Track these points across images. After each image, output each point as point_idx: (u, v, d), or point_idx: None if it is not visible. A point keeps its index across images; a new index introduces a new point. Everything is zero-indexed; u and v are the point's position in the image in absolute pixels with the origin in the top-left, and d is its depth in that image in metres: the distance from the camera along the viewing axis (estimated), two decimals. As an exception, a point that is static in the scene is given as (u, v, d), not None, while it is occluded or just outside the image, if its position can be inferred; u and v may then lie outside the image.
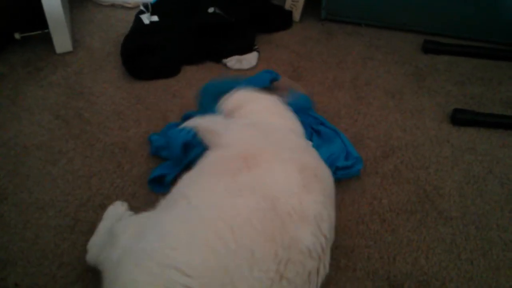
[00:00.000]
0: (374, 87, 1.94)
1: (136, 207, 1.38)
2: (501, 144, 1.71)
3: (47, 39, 1.97)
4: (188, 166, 1.33)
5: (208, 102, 1.55)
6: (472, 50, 2.14)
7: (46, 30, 1.93)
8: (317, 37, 2.22)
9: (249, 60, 2.01)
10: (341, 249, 1.35)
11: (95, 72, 1.93)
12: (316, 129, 1.62)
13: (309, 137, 1.57)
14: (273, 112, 1.43)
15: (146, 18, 2.08)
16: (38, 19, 1.89)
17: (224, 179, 1.10)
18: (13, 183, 1.49)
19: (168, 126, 1.64)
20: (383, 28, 2.28)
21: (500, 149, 1.70)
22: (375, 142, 1.70)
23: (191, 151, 1.43)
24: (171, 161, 1.49)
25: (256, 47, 2.08)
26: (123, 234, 1.07)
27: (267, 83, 1.66)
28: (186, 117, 1.58)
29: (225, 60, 2.00)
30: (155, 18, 2.09)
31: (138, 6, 2.21)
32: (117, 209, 1.36)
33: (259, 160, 1.13)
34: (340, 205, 1.34)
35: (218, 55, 2.02)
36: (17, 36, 1.96)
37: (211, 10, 2.04)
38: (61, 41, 1.98)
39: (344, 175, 1.51)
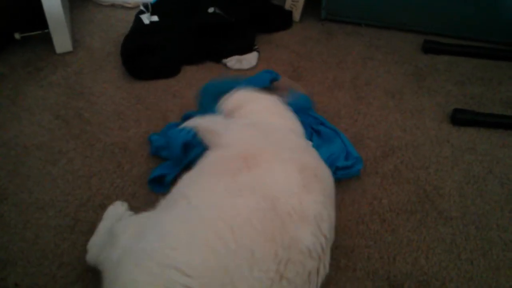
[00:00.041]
0: (374, 87, 1.94)
1: (136, 207, 1.38)
2: (501, 144, 1.71)
3: (47, 39, 1.97)
4: (188, 166, 1.33)
5: (208, 102, 1.55)
6: (472, 50, 2.13)
7: (46, 30, 1.93)
8: (317, 37, 2.22)
9: (249, 60, 2.01)
10: (341, 249, 1.35)
11: (95, 72, 1.93)
12: (316, 129, 1.62)
13: (309, 137, 1.57)
14: (273, 112, 1.43)
15: (146, 18, 2.08)
16: (38, 19, 1.89)
17: (224, 179, 1.10)
18: (13, 183, 1.49)
19: (168, 126, 1.64)
20: (383, 28, 2.28)
21: (500, 149, 1.70)
22: (375, 142, 1.70)
23: (191, 151, 1.43)
24: (171, 161, 1.49)
25: (256, 47, 2.08)
26: (123, 234, 1.07)
27: (267, 83, 1.66)
28: (186, 117, 1.58)
29: (225, 60, 2.00)
30: (155, 18, 2.09)
31: (138, 6, 2.21)
32: (117, 209, 1.36)
33: (259, 160, 1.14)
34: (340, 205, 1.34)
35: (218, 55, 2.02)
36: (17, 36, 1.96)
37: (211, 10, 2.04)
38: (61, 41, 1.98)
39: (344, 175, 1.51)
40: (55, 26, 1.91)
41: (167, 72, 1.94)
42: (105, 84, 1.88)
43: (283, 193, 1.07)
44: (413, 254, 1.36)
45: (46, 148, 1.60)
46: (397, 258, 1.35)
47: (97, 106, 1.78)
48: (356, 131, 1.73)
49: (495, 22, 2.13)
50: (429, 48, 2.14)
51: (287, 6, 2.30)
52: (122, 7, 2.33)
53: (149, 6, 2.14)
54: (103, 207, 1.40)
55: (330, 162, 1.47)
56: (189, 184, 1.15)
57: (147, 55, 1.93)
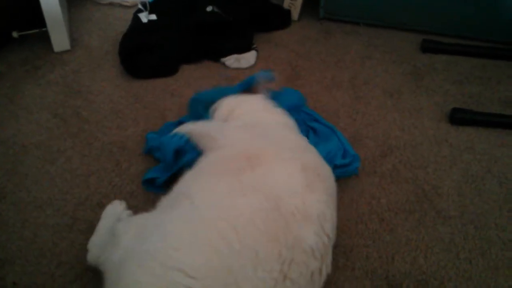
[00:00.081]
0: (373, 87, 1.94)
1: (134, 206, 1.39)
2: (500, 144, 1.72)
3: (45, 38, 1.96)
4: (179, 171, 1.33)
5: (198, 112, 1.55)
6: (470, 49, 2.13)
7: (44, 29, 1.93)
8: (316, 36, 2.22)
9: (247, 59, 2.01)
10: (340, 248, 1.35)
11: (93, 71, 1.93)
12: (311, 127, 1.62)
13: (305, 134, 1.56)
14: (263, 110, 1.46)
15: (144, 17, 2.07)
16: (36, 17, 1.88)
17: (228, 179, 1.10)
18: (12, 182, 1.48)
19: (166, 125, 1.64)
20: (381, 27, 2.28)
21: (499, 148, 1.70)
22: (374, 141, 1.70)
23: (183, 157, 1.42)
24: (163, 164, 1.49)
25: (254, 46, 2.07)
26: (124, 235, 1.06)
27: (251, 83, 1.64)
28: (181, 122, 1.57)
29: (223, 59, 2.00)
30: (153, 16, 2.09)
31: (136, 5, 2.20)
32: (116, 208, 1.36)
33: (262, 159, 1.14)
34: (338, 205, 1.34)
35: (216, 54, 2.02)
36: (15, 34, 1.95)
37: (209, 9, 2.04)
38: (59, 39, 1.98)
39: (342, 173, 1.51)
40: (53, 24, 1.91)
41: (165, 71, 1.94)
42: (103, 82, 1.87)
43: (287, 192, 1.07)
44: (411, 254, 1.36)
45: (44, 146, 1.60)
46: (395, 257, 1.35)
47: (95, 105, 1.77)
48: (354, 130, 1.73)
49: (494, 22, 2.13)
50: (427, 48, 2.14)
51: (286, 5, 2.30)
52: (120, 5, 2.33)
53: (147, 5, 2.13)
54: (101, 205, 1.40)
55: (328, 160, 1.46)
56: (191, 184, 1.15)
57: (145, 54, 1.93)
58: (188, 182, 1.17)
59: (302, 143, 1.35)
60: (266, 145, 1.22)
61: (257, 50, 2.06)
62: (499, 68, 2.06)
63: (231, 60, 1.99)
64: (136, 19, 2.08)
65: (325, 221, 1.07)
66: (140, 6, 2.13)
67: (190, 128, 1.43)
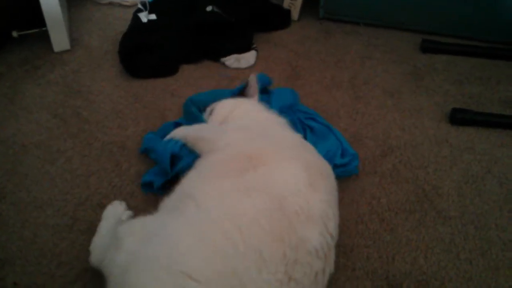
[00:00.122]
0: (373, 86, 1.94)
1: (135, 206, 1.38)
2: (500, 144, 1.72)
3: (44, 37, 1.96)
4: (175, 177, 1.32)
5: (193, 114, 1.55)
6: (470, 49, 2.14)
7: (44, 28, 1.93)
8: (316, 36, 2.22)
9: (247, 59, 2.01)
10: (340, 248, 1.34)
11: (93, 71, 1.93)
12: (308, 125, 1.61)
13: (303, 133, 1.56)
14: (258, 111, 1.46)
15: (144, 17, 2.07)
16: (36, 17, 1.88)
17: (231, 179, 1.09)
18: (12, 182, 1.48)
19: (165, 125, 1.63)
20: (381, 27, 2.28)
21: (499, 148, 1.70)
22: (374, 141, 1.70)
23: (178, 163, 1.41)
24: (158, 166, 1.48)
25: (254, 46, 2.07)
26: (127, 238, 1.06)
27: (242, 88, 1.64)
28: (177, 124, 1.58)
29: (223, 59, 2.00)
30: (153, 16, 2.09)
31: (136, 5, 2.20)
32: (116, 208, 1.36)
33: (263, 159, 1.13)
34: (339, 205, 1.34)
35: (216, 54, 2.02)
36: (14, 34, 1.95)
37: (209, 8, 2.04)
38: (59, 39, 1.97)
39: (342, 173, 1.51)
40: (53, 24, 1.91)
41: (165, 71, 1.94)
42: (103, 82, 1.87)
43: (290, 192, 1.07)
44: (412, 254, 1.36)
45: (44, 146, 1.60)
46: (396, 257, 1.35)
47: (95, 105, 1.77)
48: (354, 130, 1.73)
49: (493, 21, 2.13)
50: (427, 48, 2.14)
51: (286, 5, 2.30)
52: (120, 5, 2.33)
53: (147, 5, 2.13)
54: (101, 206, 1.40)
55: (328, 160, 1.45)
56: (194, 185, 1.14)
57: (145, 54, 1.93)
58: (190, 183, 1.16)
59: (301, 142, 1.35)
60: (267, 144, 1.22)
61: (257, 50, 2.06)
62: (499, 68, 2.07)
63: (231, 60, 1.99)
64: (136, 18, 2.08)
65: (328, 220, 1.07)
66: (140, 6, 2.13)
67: (185, 133, 1.43)
